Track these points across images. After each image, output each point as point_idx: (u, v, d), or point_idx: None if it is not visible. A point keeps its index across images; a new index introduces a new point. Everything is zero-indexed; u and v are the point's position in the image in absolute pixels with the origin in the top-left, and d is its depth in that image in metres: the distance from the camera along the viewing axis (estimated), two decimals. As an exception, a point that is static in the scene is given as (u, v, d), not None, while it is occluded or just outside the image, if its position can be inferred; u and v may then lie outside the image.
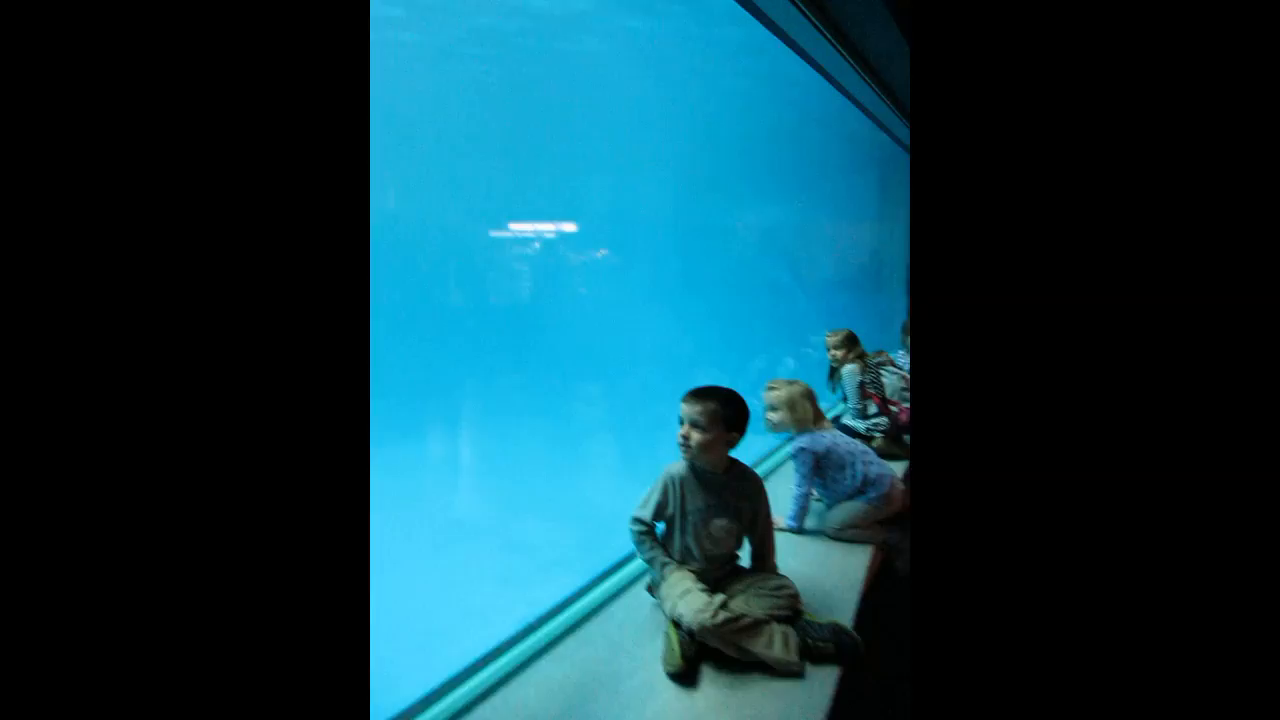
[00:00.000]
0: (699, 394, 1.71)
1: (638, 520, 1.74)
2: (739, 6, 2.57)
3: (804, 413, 2.40)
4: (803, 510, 2.38)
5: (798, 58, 3.24)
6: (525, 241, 5.92)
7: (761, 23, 2.74)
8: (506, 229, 5.93)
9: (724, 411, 1.69)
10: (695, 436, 1.68)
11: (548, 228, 6.06)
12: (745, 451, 1.83)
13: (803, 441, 2.35)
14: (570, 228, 6.36)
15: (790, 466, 2.41)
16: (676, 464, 1.76)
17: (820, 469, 2.34)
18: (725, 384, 1.77)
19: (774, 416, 2.43)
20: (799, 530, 2.36)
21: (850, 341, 3.37)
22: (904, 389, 3.18)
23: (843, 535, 2.29)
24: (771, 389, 2.46)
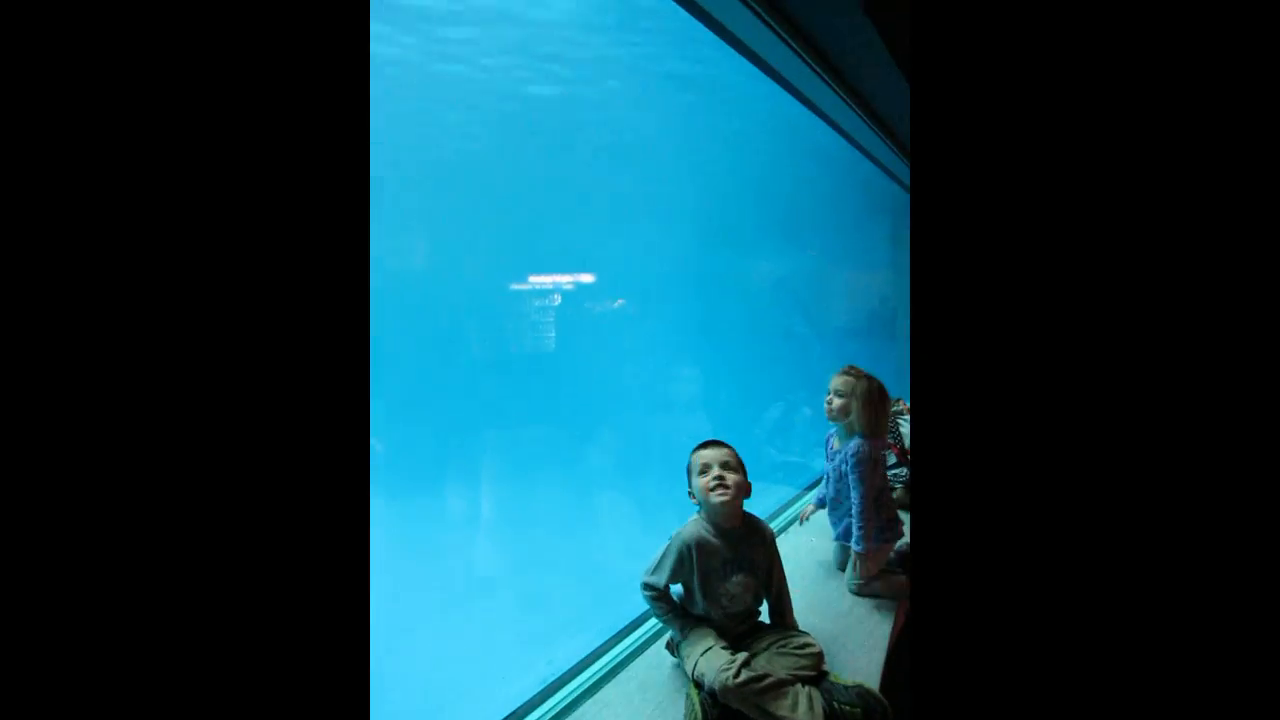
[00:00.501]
0: (715, 442, 1.77)
1: (649, 586, 1.69)
2: (751, 64, 2.70)
3: (874, 418, 2.14)
4: (869, 524, 2.11)
5: (809, 111, 3.37)
6: (544, 293, 6.06)
7: (773, 79, 2.85)
8: (526, 281, 6.09)
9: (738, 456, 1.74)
10: (732, 478, 1.68)
11: (566, 279, 6.21)
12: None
13: (866, 446, 2.16)
14: (588, 278, 6.50)
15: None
16: (686, 528, 1.72)
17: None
18: (742, 432, 1.80)
19: (838, 402, 2.22)
20: (867, 552, 2.12)
21: (867, 390, 3.35)
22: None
23: (867, 589, 2.21)
24: (847, 374, 2.25)
